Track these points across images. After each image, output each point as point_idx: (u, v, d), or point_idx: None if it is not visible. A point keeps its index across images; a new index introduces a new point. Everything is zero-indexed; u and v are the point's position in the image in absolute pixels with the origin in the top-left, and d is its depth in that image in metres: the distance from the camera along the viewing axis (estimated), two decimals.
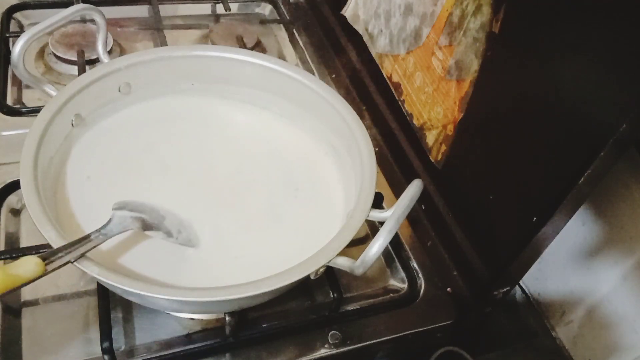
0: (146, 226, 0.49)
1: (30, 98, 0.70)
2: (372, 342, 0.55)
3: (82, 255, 0.42)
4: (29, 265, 0.39)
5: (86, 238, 0.44)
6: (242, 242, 0.53)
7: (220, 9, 0.88)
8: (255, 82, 0.63)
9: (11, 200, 0.58)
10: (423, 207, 0.64)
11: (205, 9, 0.89)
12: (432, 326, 0.57)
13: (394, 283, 0.61)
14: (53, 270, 0.40)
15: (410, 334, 0.56)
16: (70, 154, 0.56)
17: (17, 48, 0.51)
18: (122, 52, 0.78)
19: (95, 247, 0.43)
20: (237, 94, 0.65)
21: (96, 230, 0.45)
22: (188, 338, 0.52)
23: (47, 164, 0.51)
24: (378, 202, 0.62)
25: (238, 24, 0.87)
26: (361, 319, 0.56)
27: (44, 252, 0.41)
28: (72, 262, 0.41)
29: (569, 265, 0.60)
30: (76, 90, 0.54)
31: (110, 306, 0.50)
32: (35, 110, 0.64)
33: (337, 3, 0.79)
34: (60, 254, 0.41)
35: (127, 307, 0.53)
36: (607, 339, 0.57)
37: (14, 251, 0.54)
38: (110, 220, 0.47)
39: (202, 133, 0.62)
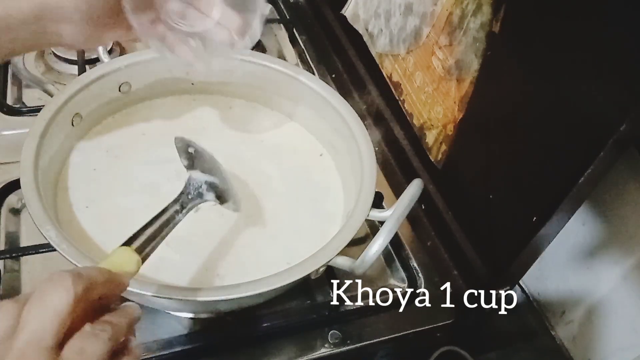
0: (218, 193, 0.44)
1: (30, 97, 0.70)
2: (372, 341, 0.55)
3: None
4: (124, 258, 0.34)
5: (164, 212, 0.38)
6: (242, 241, 0.53)
7: None
8: (255, 82, 0.63)
9: (11, 199, 0.58)
10: (423, 207, 0.64)
11: None
12: (432, 326, 0.57)
13: (394, 283, 0.61)
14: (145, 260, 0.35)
15: (410, 333, 0.56)
16: (71, 154, 0.56)
17: None
18: (122, 51, 0.78)
19: (176, 225, 0.38)
20: (236, 93, 0.65)
21: (173, 201, 0.40)
22: (188, 337, 0.52)
23: (47, 163, 0.51)
24: (378, 202, 0.62)
25: None
26: (361, 319, 0.56)
27: (129, 241, 0.35)
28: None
29: (569, 265, 0.60)
30: (76, 90, 0.54)
31: None
32: (35, 110, 0.63)
33: (337, 3, 0.79)
34: (145, 240, 0.36)
35: None
36: (607, 339, 0.57)
37: (14, 251, 0.54)
38: (186, 185, 0.42)
39: (201, 132, 0.62)
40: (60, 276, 0.29)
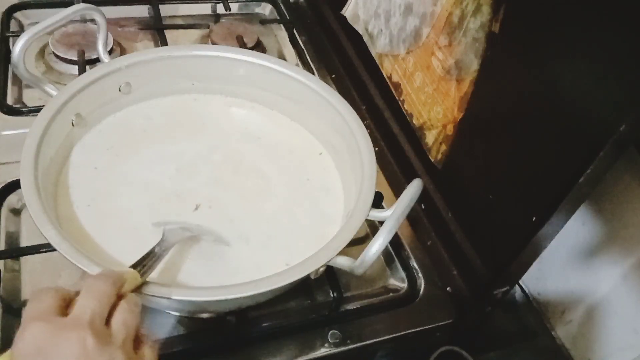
0: (194, 233, 0.50)
1: (30, 98, 0.70)
2: (372, 341, 0.55)
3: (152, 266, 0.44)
4: (129, 275, 0.40)
5: (152, 253, 0.45)
6: (241, 241, 0.53)
7: (220, 8, 0.88)
8: (255, 82, 0.63)
9: (11, 199, 0.58)
10: (423, 207, 0.64)
11: (205, 9, 0.89)
12: (431, 325, 0.57)
13: (393, 282, 0.61)
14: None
15: (410, 333, 0.56)
16: (71, 154, 0.56)
17: (18, 48, 0.51)
18: (123, 51, 0.78)
19: (160, 261, 0.45)
20: (237, 93, 0.65)
21: (157, 244, 0.46)
22: (188, 337, 0.52)
23: (47, 163, 0.51)
24: (378, 202, 0.62)
25: (238, 23, 0.87)
26: (361, 319, 0.56)
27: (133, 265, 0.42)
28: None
29: (569, 265, 0.60)
30: (76, 90, 0.54)
31: None
32: (35, 110, 0.63)
33: (337, 3, 0.79)
34: (140, 267, 0.42)
35: None
36: (607, 339, 0.57)
37: (14, 251, 0.54)
38: (163, 235, 0.48)
39: (202, 132, 0.62)
40: (105, 274, 0.37)
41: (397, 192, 0.68)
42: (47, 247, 0.51)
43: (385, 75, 0.70)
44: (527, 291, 0.66)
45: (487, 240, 0.55)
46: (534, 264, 0.52)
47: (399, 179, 0.69)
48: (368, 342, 0.55)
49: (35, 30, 0.52)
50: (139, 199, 0.54)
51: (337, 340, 0.54)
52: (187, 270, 0.50)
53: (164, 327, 0.52)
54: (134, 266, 0.42)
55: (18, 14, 0.80)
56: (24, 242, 0.56)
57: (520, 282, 0.66)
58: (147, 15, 0.86)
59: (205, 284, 0.49)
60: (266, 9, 0.94)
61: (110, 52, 0.75)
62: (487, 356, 0.60)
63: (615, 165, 0.42)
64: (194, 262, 0.50)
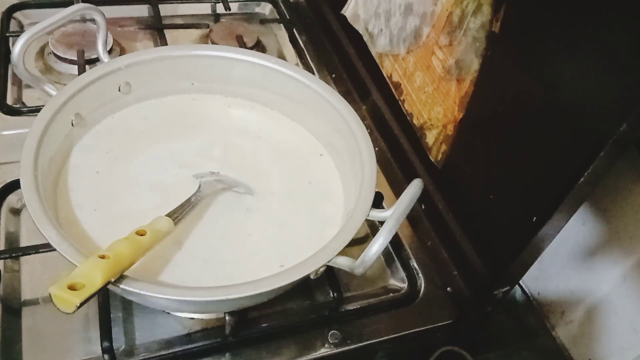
0: (226, 185, 0.56)
1: (30, 97, 0.70)
2: (372, 341, 0.55)
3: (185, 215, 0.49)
4: (163, 222, 0.46)
5: (188, 202, 0.50)
6: (240, 242, 0.53)
7: (220, 8, 0.88)
8: (255, 82, 0.63)
9: (11, 199, 0.58)
10: (423, 207, 0.64)
11: (205, 8, 0.89)
12: (432, 326, 0.57)
13: (394, 283, 0.61)
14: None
15: (410, 333, 0.56)
16: (71, 154, 0.56)
17: (17, 47, 0.51)
18: (122, 51, 0.78)
19: (194, 210, 0.51)
20: (237, 93, 0.65)
21: (193, 194, 0.52)
22: (188, 338, 0.52)
23: (47, 163, 0.51)
24: (378, 202, 0.62)
25: (238, 23, 0.87)
26: (361, 319, 0.56)
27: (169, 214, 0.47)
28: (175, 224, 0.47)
29: (569, 265, 0.60)
30: (76, 90, 0.54)
31: (110, 306, 0.50)
32: (35, 110, 0.64)
33: (337, 3, 0.79)
34: (176, 215, 0.48)
35: (127, 306, 0.53)
36: (607, 339, 0.57)
37: (14, 251, 0.54)
38: (200, 186, 0.53)
39: (201, 132, 0.62)
40: None
41: (397, 192, 0.68)
42: (46, 247, 0.51)
43: (385, 75, 0.70)
44: (527, 291, 0.66)
45: (487, 240, 0.55)
46: (534, 264, 0.52)
47: (399, 179, 0.69)
48: (368, 342, 0.55)
49: (35, 30, 0.52)
50: (148, 199, 0.54)
51: (337, 341, 0.54)
52: (187, 271, 0.50)
53: (163, 328, 0.52)
54: (169, 215, 0.47)
55: (18, 14, 0.80)
56: (24, 242, 0.56)
57: (521, 282, 0.66)
58: (147, 15, 0.86)
59: (203, 286, 0.49)
60: (266, 9, 0.94)
61: (110, 51, 0.75)
62: (487, 356, 0.60)
63: (615, 165, 0.42)
64: (192, 263, 0.50)
